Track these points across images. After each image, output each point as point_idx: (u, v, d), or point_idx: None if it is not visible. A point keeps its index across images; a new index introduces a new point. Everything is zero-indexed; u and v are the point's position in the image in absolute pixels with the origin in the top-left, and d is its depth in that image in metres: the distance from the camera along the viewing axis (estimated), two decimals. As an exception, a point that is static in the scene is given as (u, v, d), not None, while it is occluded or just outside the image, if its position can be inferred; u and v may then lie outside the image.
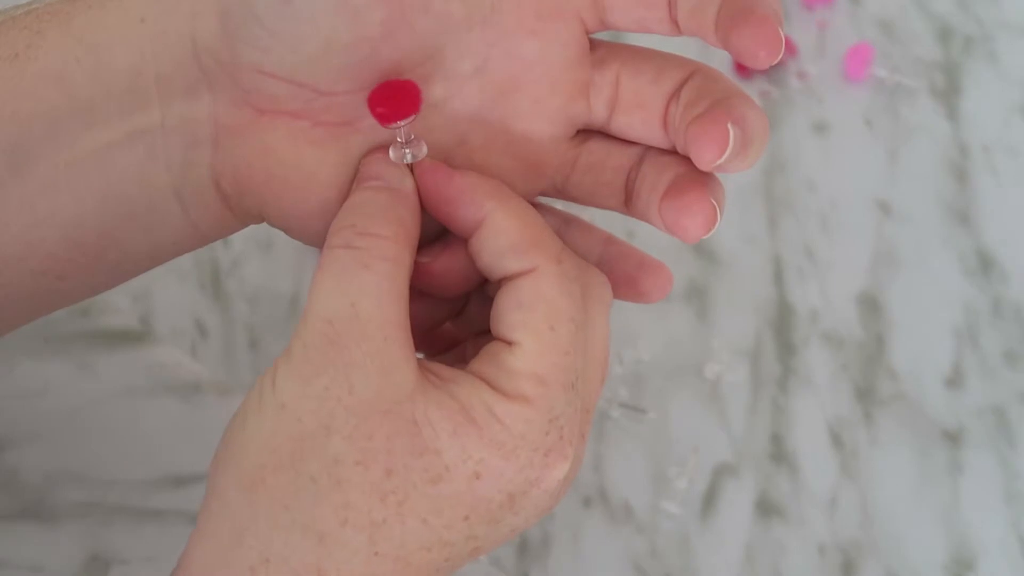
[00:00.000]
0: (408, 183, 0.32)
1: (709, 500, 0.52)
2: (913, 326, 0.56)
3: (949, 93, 0.62)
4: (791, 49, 0.62)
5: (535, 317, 0.31)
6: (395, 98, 0.32)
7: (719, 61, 0.62)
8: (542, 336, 0.31)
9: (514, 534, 0.32)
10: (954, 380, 0.55)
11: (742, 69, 0.61)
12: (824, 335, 0.56)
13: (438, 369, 0.31)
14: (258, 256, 0.56)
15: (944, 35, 0.64)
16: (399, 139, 0.33)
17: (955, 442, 0.53)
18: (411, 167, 0.33)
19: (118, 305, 0.55)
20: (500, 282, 0.32)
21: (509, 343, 0.31)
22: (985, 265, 0.57)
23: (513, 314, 0.31)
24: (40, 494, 0.50)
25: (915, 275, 0.57)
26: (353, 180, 0.33)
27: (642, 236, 0.58)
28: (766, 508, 0.52)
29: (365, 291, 0.30)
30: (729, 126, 0.31)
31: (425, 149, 0.33)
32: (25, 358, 0.53)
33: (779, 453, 0.53)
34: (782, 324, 0.56)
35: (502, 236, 0.32)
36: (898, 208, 0.59)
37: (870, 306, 0.56)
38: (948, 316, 0.56)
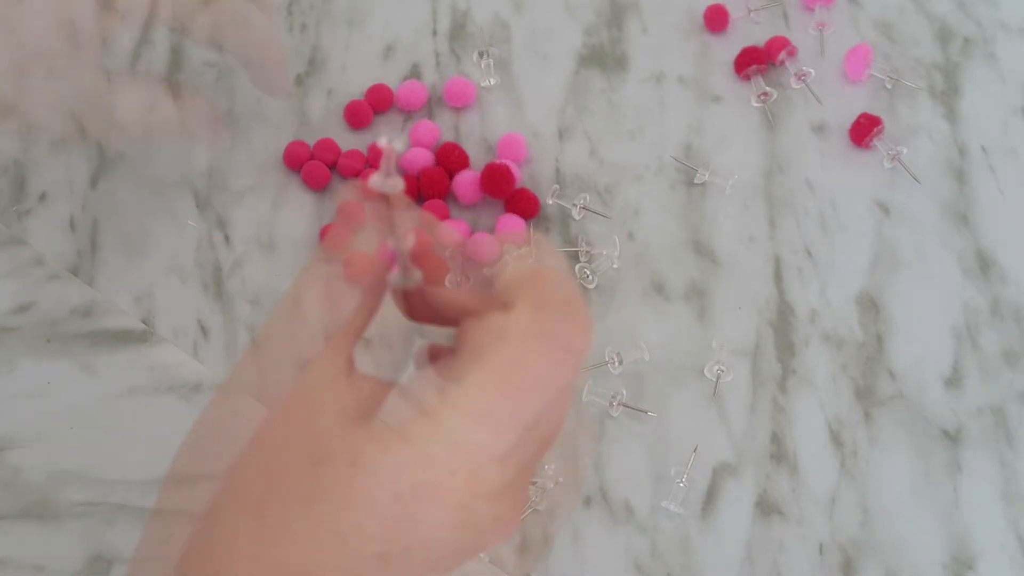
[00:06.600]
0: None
1: (709, 500, 0.52)
2: (912, 326, 0.56)
3: (948, 94, 0.62)
4: (791, 50, 0.62)
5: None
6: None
7: (719, 61, 0.63)
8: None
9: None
10: (953, 380, 0.55)
11: (740, 69, 0.62)
12: (824, 335, 0.56)
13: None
14: (259, 257, 0.56)
15: (943, 36, 0.64)
16: (384, 166, 0.33)
17: (954, 442, 0.53)
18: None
19: (120, 306, 0.55)
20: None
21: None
22: (984, 265, 0.58)
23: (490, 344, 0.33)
24: (42, 494, 0.51)
25: (914, 275, 0.57)
26: None
27: (641, 236, 0.58)
28: (766, 508, 0.52)
29: None
30: None
31: (402, 183, 0.33)
32: (27, 358, 0.53)
33: (779, 453, 0.53)
34: (782, 324, 0.56)
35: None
36: (898, 208, 0.59)
37: (870, 306, 0.56)
38: (947, 316, 0.56)
